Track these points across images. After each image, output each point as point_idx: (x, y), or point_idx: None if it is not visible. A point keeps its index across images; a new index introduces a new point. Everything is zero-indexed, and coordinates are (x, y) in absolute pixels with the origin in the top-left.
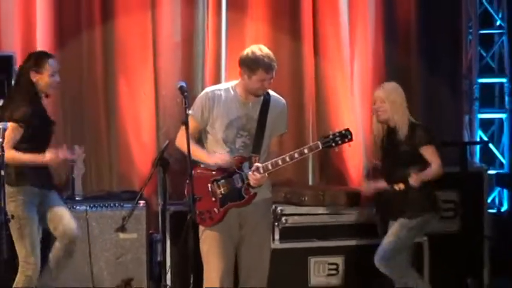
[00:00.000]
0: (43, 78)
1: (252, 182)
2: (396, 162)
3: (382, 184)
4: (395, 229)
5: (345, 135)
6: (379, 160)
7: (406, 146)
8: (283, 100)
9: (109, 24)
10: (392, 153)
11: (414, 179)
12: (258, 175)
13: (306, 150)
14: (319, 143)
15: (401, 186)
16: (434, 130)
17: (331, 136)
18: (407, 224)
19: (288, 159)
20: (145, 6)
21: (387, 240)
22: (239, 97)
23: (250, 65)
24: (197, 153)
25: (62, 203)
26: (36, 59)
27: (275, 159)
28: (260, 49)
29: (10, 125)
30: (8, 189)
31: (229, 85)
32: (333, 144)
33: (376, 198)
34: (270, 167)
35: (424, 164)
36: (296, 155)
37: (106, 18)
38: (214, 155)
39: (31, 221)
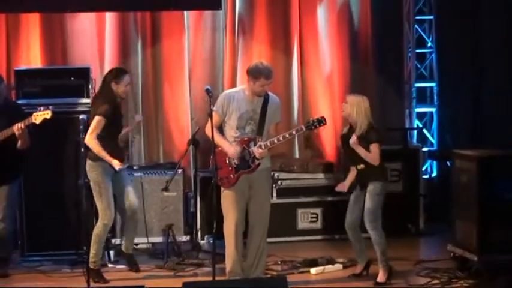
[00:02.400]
0: (120, 88)
1: (257, 155)
2: (353, 155)
3: (350, 178)
4: (367, 199)
5: (321, 121)
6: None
7: (362, 143)
8: (278, 98)
9: (157, 43)
10: (351, 148)
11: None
12: (260, 150)
13: (293, 132)
14: (302, 126)
15: (362, 166)
16: (383, 133)
17: (311, 121)
18: (373, 191)
19: (281, 138)
20: (182, 31)
21: (366, 208)
22: (247, 97)
23: (255, 74)
24: (220, 141)
25: (129, 179)
26: (117, 73)
27: (272, 139)
28: (262, 63)
29: (95, 117)
30: (89, 162)
31: (240, 88)
32: (313, 127)
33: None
34: (268, 144)
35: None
36: (287, 135)
37: (155, 39)
38: (230, 147)
39: (107, 185)
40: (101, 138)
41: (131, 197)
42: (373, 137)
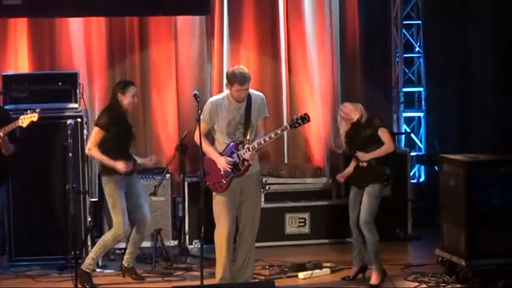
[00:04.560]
0: (125, 99)
1: (247, 158)
2: (359, 145)
3: (349, 169)
4: (365, 200)
5: (304, 118)
6: (344, 147)
7: (364, 130)
8: (261, 94)
9: (145, 49)
10: (357, 138)
11: (361, 155)
12: (249, 152)
13: (278, 131)
14: (287, 125)
15: (365, 164)
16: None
17: (295, 119)
18: (372, 193)
19: (267, 138)
20: (170, 37)
21: (364, 209)
22: (232, 102)
23: (230, 79)
24: (209, 151)
25: (142, 191)
26: (124, 85)
27: (259, 140)
28: (238, 68)
29: (94, 128)
30: (103, 177)
31: (225, 94)
32: (297, 125)
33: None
34: (256, 146)
35: (379, 145)
36: (272, 135)
37: (142, 46)
38: (218, 157)
39: (120, 197)
40: (108, 150)
41: (144, 210)
42: (378, 122)
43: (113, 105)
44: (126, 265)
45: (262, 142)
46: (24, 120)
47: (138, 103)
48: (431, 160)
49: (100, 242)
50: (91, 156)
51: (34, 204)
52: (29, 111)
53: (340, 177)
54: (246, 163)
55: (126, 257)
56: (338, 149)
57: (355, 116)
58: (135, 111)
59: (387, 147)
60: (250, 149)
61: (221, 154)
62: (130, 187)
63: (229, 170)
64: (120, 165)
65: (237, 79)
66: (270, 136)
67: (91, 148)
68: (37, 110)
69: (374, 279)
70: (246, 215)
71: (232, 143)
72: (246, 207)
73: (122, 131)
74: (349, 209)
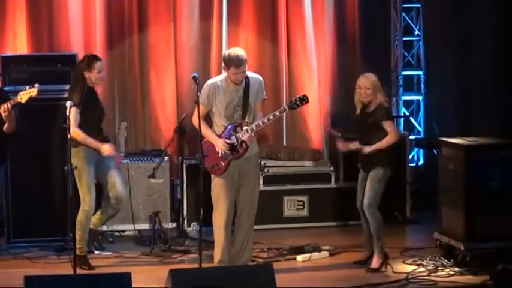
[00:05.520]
0: (92, 75)
1: (245, 140)
2: (366, 130)
3: (354, 145)
4: (368, 184)
5: (303, 99)
6: (354, 129)
7: (371, 118)
8: (259, 77)
9: (143, 31)
10: (364, 124)
11: (366, 148)
12: (247, 134)
13: (277, 113)
14: (285, 106)
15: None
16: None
17: (293, 100)
18: (375, 177)
19: (265, 120)
20: (169, 19)
21: (366, 193)
22: (230, 85)
23: (226, 62)
24: (207, 133)
25: (114, 167)
26: (88, 61)
27: (257, 121)
28: (233, 51)
29: (73, 109)
30: (73, 149)
31: (224, 76)
32: (295, 106)
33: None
34: (254, 128)
35: (385, 132)
36: (271, 117)
37: (141, 28)
38: (217, 139)
39: (87, 171)
40: (81, 126)
41: (118, 186)
42: (384, 115)
43: (78, 83)
44: (92, 227)
45: (261, 124)
46: (23, 96)
47: (136, 84)
48: (430, 144)
49: (77, 224)
50: (75, 136)
51: (32, 185)
52: (27, 87)
53: (340, 143)
54: (244, 145)
55: (93, 219)
56: (337, 132)
57: (370, 92)
58: (133, 93)
59: (389, 139)
60: (249, 131)
61: (219, 136)
62: (101, 164)
63: (228, 152)
64: (105, 148)
65: (233, 62)
66: (268, 118)
67: (73, 129)
68: (36, 86)
69: (375, 263)
70: (245, 198)
71: (230, 125)
72: (245, 190)
73: (95, 108)
74: (357, 193)
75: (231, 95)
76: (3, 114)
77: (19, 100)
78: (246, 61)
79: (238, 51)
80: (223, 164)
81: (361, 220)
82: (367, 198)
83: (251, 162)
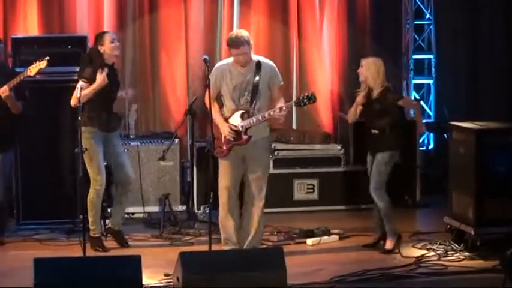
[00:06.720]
0: (106, 47)
1: (247, 126)
2: (372, 114)
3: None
4: (374, 167)
5: (310, 98)
6: (361, 111)
7: (377, 104)
8: (271, 62)
9: (154, 13)
10: (369, 107)
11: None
12: (251, 122)
13: (284, 107)
14: (292, 103)
15: (376, 131)
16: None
17: (300, 98)
18: (381, 160)
19: (272, 112)
20: (179, 1)
21: (372, 176)
22: (236, 67)
23: (227, 45)
24: (216, 117)
25: (121, 149)
26: (99, 35)
27: (263, 113)
28: (233, 33)
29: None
30: (82, 129)
31: (232, 59)
32: (302, 104)
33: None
34: (260, 118)
35: (389, 118)
36: (277, 111)
37: (152, 9)
38: (223, 124)
39: (97, 151)
40: (91, 101)
41: (127, 169)
42: (395, 97)
43: (93, 58)
44: (112, 227)
45: (266, 115)
46: (33, 69)
47: (146, 66)
48: (440, 127)
49: (88, 205)
50: (76, 102)
51: (42, 167)
52: (37, 61)
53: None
54: (248, 132)
55: (112, 219)
56: (347, 115)
57: (367, 76)
58: (143, 75)
59: (417, 112)
60: (254, 121)
61: (226, 121)
62: (110, 146)
63: (231, 138)
64: (99, 78)
65: (230, 44)
66: (274, 111)
67: (73, 99)
68: (46, 58)
69: (388, 245)
70: (254, 181)
71: (237, 112)
72: (253, 173)
73: (110, 85)
74: (370, 176)
75: (238, 77)
76: (3, 96)
77: (28, 74)
78: (245, 42)
79: (240, 33)
80: (225, 148)
81: (373, 204)
82: (373, 181)
83: (258, 146)
